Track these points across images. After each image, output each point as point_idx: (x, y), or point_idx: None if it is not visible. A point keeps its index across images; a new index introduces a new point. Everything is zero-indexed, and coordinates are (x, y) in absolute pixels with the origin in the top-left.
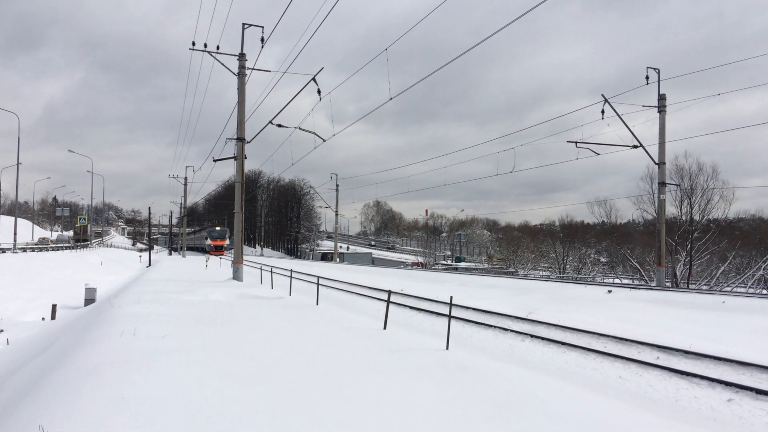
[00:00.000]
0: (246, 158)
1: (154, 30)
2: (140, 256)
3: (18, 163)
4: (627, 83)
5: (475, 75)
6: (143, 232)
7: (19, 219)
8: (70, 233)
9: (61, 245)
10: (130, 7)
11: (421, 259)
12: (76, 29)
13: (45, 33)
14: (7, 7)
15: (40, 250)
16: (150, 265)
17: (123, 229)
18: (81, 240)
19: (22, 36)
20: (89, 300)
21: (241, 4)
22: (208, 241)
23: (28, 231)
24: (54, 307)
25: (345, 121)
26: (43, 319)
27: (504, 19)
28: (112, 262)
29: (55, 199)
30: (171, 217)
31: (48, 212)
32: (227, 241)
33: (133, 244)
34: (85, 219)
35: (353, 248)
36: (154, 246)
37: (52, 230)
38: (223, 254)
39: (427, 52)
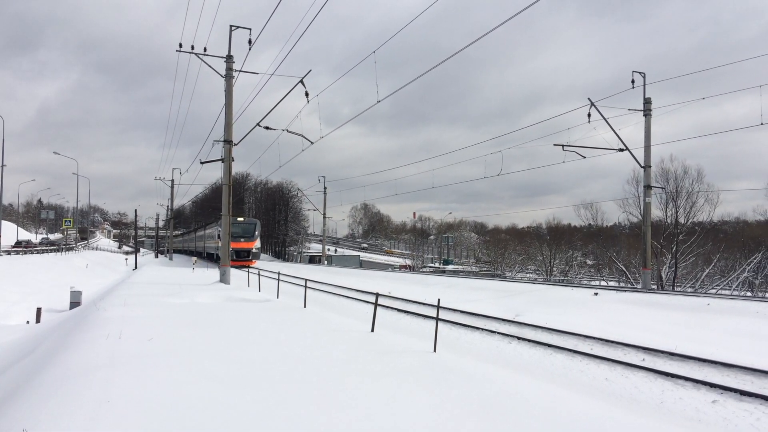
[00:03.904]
0: (233, 160)
1: (152, 32)
2: (126, 259)
3: (2, 165)
4: (620, 87)
5: (471, 79)
6: (129, 235)
7: (3, 221)
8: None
9: (47, 248)
10: (129, 9)
11: (409, 262)
12: (74, 31)
13: (43, 34)
14: (4, 8)
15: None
16: (136, 268)
17: (109, 231)
18: (84, 239)
19: (19, 37)
20: (74, 303)
21: (239, 8)
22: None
23: (13, 233)
24: (39, 310)
25: (340, 124)
26: (27, 322)
27: (504, 24)
28: (97, 265)
29: (40, 201)
30: (157, 219)
31: (33, 214)
32: (257, 242)
33: (119, 247)
34: (70, 222)
35: (341, 251)
36: (141, 249)
37: (37, 233)
38: (251, 264)
39: (428, 57)
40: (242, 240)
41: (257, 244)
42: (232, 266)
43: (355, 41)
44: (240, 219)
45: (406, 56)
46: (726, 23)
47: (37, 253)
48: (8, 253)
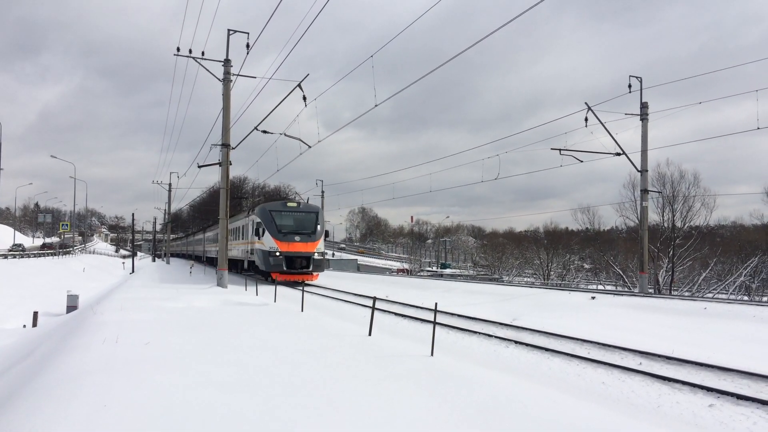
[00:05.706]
0: (231, 164)
1: (155, 37)
2: (123, 263)
3: (0, 169)
4: (620, 92)
5: (473, 83)
6: (126, 239)
7: (0, 225)
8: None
9: (46, 251)
10: (132, 13)
11: (406, 266)
12: (77, 35)
13: (46, 38)
14: (8, 12)
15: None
16: (133, 271)
17: (106, 235)
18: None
19: (23, 41)
20: (71, 307)
21: (241, 12)
22: (268, 240)
23: (10, 237)
24: (35, 314)
25: (338, 128)
26: (24, 326)
27: (507, 28)
28: (94, 268)
29: (37, 205)
30: (155, 223)
31: (30, 218)
32: (321, 243)
33: (116, 251)
34: (67, 225)
35: (338, 254)
36: (138, 253)
37: (34, 237)
38: (312, 279)
39: (431, 62)
40: (297, 239)
41: (320, 245)
42: (279, 282)
43: (357, 46)
44: (291, 204)
45: (409, 61)
46: (727, 29)
47: (35, 256)
48: (5, 256)
